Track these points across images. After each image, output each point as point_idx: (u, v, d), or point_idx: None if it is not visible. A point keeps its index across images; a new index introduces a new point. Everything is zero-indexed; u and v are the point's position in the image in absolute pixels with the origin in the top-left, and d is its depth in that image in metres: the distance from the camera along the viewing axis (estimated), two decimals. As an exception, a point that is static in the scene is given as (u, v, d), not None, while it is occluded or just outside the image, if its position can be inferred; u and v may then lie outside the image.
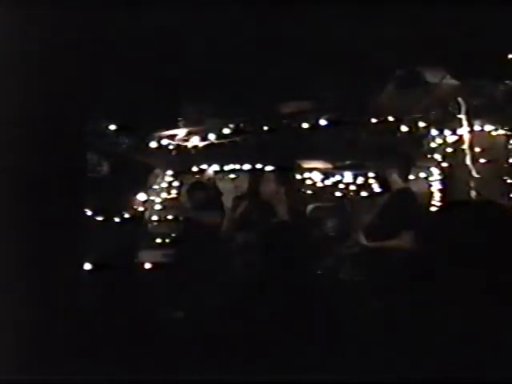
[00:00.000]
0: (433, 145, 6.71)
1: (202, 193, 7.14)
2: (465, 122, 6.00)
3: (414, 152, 6.75)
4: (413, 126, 6.35)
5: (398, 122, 6.34)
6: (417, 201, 5.81)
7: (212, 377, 2.34)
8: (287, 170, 7.93)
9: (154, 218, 7.94)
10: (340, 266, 6.13)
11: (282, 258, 3.34)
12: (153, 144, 6.71)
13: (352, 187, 8.36)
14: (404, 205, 5.51)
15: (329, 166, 8.14)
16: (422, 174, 7.20)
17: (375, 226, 5.77)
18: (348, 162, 8.13)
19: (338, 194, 8.13)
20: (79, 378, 2.54)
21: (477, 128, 6.15)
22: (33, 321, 2.87)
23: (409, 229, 5.10)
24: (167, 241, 7.68)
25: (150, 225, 7.92)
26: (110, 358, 3.15)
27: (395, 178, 5.73)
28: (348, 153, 7.49)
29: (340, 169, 8.29)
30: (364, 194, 8.29)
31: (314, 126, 6.43)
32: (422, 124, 6.35)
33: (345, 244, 6.19)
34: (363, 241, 5.61)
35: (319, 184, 8.23)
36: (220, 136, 6.60)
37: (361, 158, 7.70)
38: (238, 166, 7.90)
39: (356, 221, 6.04)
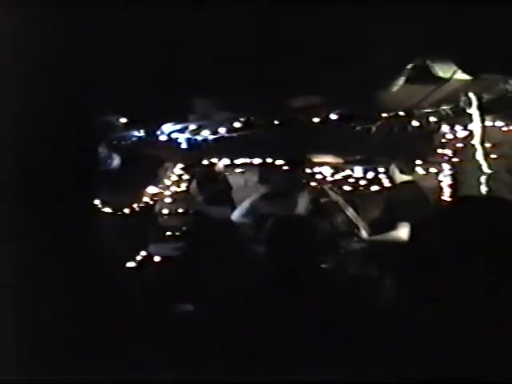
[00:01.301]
0: (443, 140, 6.69)
1: (213, 186, 7.16)
2: (476, 118, 5.96)
3: (425, 147, 6.74)
4: (424, 121, 6.33)
5: (409, 117, 6.32)
6: (422, 194, 5.83)
7: (212, 376, 2.35)
8: (298, 164, 7.94)
9: (164, 211, 7.97)
10: (349, 260, 6.15)
11: (291, 252, 3.34)
12: (163, 137, 6.72)
13: (362, 182, 8.37)
14: (407, 198, 5.55)
15: (339, 160, 8.14)
16: (433, 169, 7.18)
17: (380, 220, 5.82)
18: (359, 157, 8.13)
19: (347, 188, 8.14)
20: (79, 378, 2.55)
21: (488, 123, 6.11)
22: (35, 318, 2.88)
23: (413, 222, 5.13)
24: (177, 234, 7.71)
25: (160, 218, 7.95)
26: (116, 353, 3.16)
27: (397, 172, 5.78)
28: (359, 147, 7.48)
29: (350, 163, 8.29)
30: (374, 188, 8.31)
31: (325, 120, 6.42)
32: (432, 119, 6.33)
33: (352, 239, 6.22)
34: (364, 235, 5.67)
35: (329, 178, 8.24)
36: (230, 130, 6.59)
37: (372, 152, 7.69)
38: (248, 160, 7.92)
39: (362, 215, 6.07)
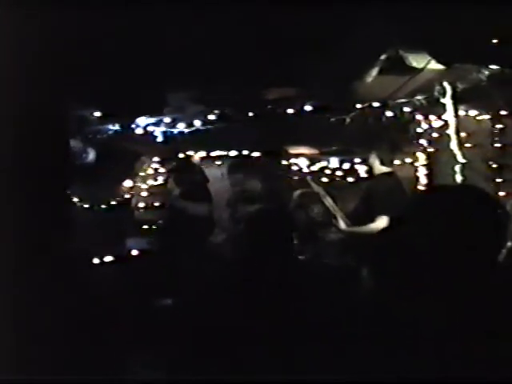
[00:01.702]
0: (418, 130, 6.73)
1: (189, 179, 7.14)
2: (450, 107, 6.00)
3: (400, 137, 6.77)
4: (398, 111, 6.36)
5: (383, 107, 6.35)
6: (401, 185, 5.85)
7: (197, 376, 2.34)
8: (273, 155, 7.95)
9: (141, 204, 7.95)
10: (327, 251, 6.16)
11: (268, 244, 3.33)
12: (138, 131, 6.69)
13: (338, 173, 8.40)
14: (387, 189, 5.57)
15: (315, 151, 8.16)
16: (408, 160, 7.22)
17: (358, 211, 5.83)
18: (334, 148, 8.15)
19: (324, 179, 8.15)
20: (79, 377, 2.54)
21: (462, 113, 6.15)
22: (20, 318, 2.87)
23: (391, 213, 5.15)
24: (154, 227, 7.69)
25: (136, 212, 7.93)
26: (99, 348, 3.15)
27: (377, 163, 5.79)
28: (334, 138, 7.50)
29: (326, 154, 8.31)
30: (350, 179, 8.34)
31: (300, 111, 6.42)
32: (407, 109, 6.36)
33: (330, 230, 6.22)
34: (341, 226, 5.70)
35: (305, 170, 8.26)
36: (206, 122, 6.58)
37: (347, 143, 7.72)
38: (224, 153, 7.93)
39: (340, 206, 6.09)
